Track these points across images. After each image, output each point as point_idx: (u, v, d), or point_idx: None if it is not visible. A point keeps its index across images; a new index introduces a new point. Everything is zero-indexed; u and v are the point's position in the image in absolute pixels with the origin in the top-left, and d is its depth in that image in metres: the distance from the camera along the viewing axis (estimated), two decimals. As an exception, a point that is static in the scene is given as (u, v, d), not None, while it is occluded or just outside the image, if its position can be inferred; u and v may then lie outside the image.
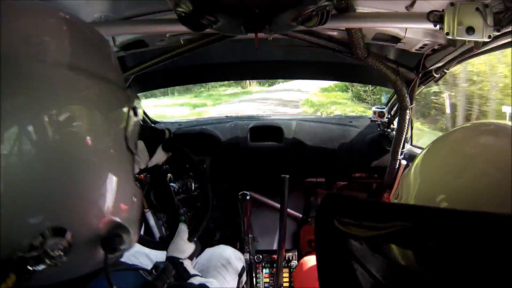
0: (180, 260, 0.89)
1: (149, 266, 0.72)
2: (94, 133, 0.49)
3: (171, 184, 1.10)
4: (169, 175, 1.13)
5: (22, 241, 0.43)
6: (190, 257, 0.94)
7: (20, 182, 0.43)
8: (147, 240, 1.11)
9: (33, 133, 0.43)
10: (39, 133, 0.43)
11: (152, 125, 2.07)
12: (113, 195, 0.52)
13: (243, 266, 1.30)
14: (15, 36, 0.44)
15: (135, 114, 0.58)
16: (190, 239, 0.98)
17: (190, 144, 1.44)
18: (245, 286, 1.29)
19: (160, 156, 1.01)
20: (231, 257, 1.22)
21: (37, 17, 0.49)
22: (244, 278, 1.26)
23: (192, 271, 0.88)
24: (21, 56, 0.44)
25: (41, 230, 0.44)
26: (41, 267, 0.44)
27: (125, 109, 0.56)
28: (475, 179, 0.47)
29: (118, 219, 0.53)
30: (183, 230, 0.96)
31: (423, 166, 0.57)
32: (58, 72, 0.46)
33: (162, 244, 1.15)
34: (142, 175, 1.02)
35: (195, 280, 0.81)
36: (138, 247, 1.20)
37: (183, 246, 0.94)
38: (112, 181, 0.52)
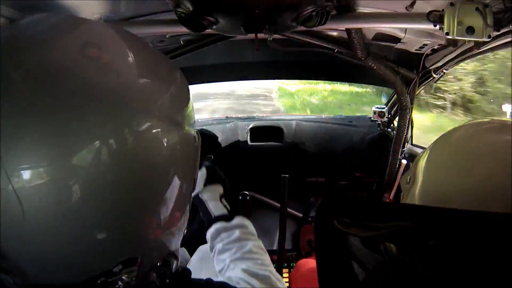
0: (199, 196, 0.84)
1: None
2: (167, 168, 0.48)
3: None
4: None
5: (103, 266, 0.44)
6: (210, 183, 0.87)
7: (107, 200, 0.42)
8: None
9: (115, 150, 0.41)
10: (121, 150, 0.42)
11: None
12: (177, 226, 0.55)
13: None
14: (77, 53, 0.43)
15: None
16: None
17: None
18: None
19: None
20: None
21: (103, 33, 0.48)
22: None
23: (217, 208, 0.82)
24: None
25: (123, 257, 0.45)
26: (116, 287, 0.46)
27: (197, 155, 0.58)
28: (483, 179, 0.47)
29: (173, 249, 0.56)
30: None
31: (428, 167, 0.57)
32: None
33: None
34: None
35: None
36: None
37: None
38: (181, 212, 0.54)
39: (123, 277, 0.45)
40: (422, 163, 0.59)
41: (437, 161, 0.56)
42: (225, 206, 0.80)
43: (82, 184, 0.39)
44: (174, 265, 0.55)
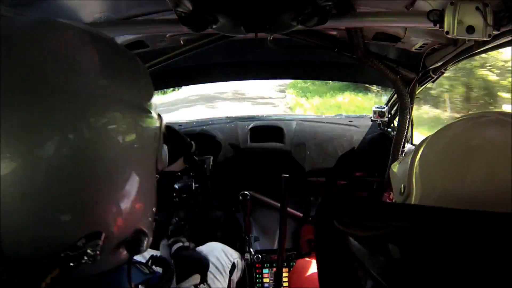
0: None
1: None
2: (127, 150, 0.53)
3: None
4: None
5: (67, 241, 0.48)
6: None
7: (68, 186, 0.47)
8: None
9: (74, 143, 0.46)
10: (79, 143, 0.47)
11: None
12: (141, 205, 0.58)
13: (234, 263, 1.29)
14: (55, 55, 0.48)
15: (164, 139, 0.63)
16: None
17: None
18: (235, 285, 1.28)
19: (178, 165, 1.02)
20: (221, 255, 1.21)
21: (71, 35, 0.52)
22: (235, 276, 1.26)
23: None
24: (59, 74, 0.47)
25: (83, 233, 0.49)
26: (79, 264, 0.49)
27: (158, 137, 0.61)
28: (480, 182, 0.44)
29: (141, 226, 0.59)
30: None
31: (422, 165, 0.53)
32: (95, 90, 0.49)
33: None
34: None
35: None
36: None
37: None
38: (143, 191, 0.57)
39: (88, 251, 0.49)
40: (415, 167, 0.55)
41: (432, 159, 0.53)
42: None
43: (45, 172, 0.45)
44: (144, 242, 0.58)
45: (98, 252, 0.50)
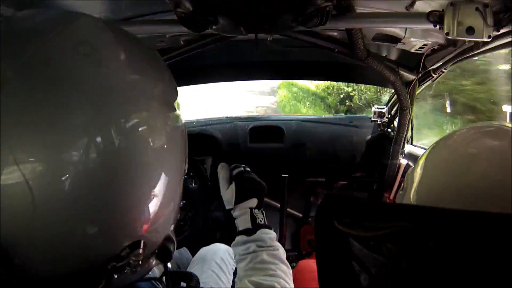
0: (232, 213, 0.87)
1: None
2: (162, 153, 0.51)
3: None
4: None
5: (115, 252, 0.47)
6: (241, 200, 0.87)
7: (99, 193, 0.43)
8: None
9: (104, 146, 0.42)
10: (109, 146, 0.43)
11: None
12: (172, 208, 0.57)
13: None
14: (79, 49, 0.45)
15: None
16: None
17: (190, 144, 1.44)
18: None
19: None
20: (226, 256, 1.22)
21: (96, 29, 0.51)
22: None
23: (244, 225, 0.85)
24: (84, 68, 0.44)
25: (127, 242, 0.48)
26: (121, 274, 0.48)
27: (184, 127, 0.59)
28: (477, 179, 0.47)
29: (169, 233, 0.58)
30: (220, 177, 0.90)
31: (426, 167, 0.57)
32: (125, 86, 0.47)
33: None
34: None
35: None
36: None
37: (224, 196, 0.89)
38: (174, 195, 0.56)
39: (130, 261, 0.47)
40: (418, 168, 0.60)
41: (433, 164, 0.58)
42: (252, 219, 0.81)
43: (72, 178, 0.40)
44: (172, 249, 0.57)
45: (140, 262, 0.48)
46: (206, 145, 1.87)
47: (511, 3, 0.77)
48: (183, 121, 0.59)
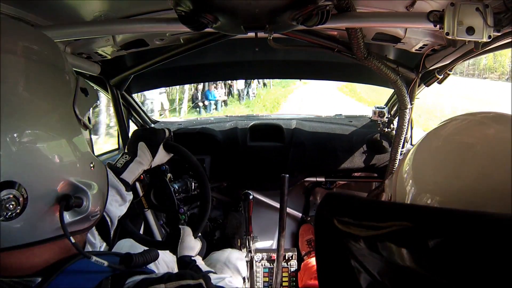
0: (192, 258, 0.92)
1: (151, 266, 0.73)
2: (38, 103, 0.54)
3: (172, 184, 1.10)
4: (169, 175, 1.13)
5: None
6: (200, 254, 0.98)
7: None
8: (146, 240, 1.11)
9: None
10: None
11: (152, 125, 2.07)
12: (68, 157, 0.57)
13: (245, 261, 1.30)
14: None
15: (85, 93, 0.64)
16: (194, 235, 1.00)
17: (190, 143, 1.44)
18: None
19: (162, 156, 1.02)
20: (237, 261, 1.23)
21: None
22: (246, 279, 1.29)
23: (204, 268, 0.91)
24: None
25: None
26: None
27: (72, 88, 0.62)
28: (475, 180, 0.42)
29: (74, 181, 0.57)
30: (187, 229, 0.98)
31: (415, 164, 0.51)
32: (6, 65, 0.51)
33: (162, 243, 1.15)
34: (142, 176, 1.03)
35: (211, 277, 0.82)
36: (129, 244, 1.20)
37: (191, 243, 0.97)
38: (62, 144, 0.57)
39: (5, 204, 0.47)
40: (404, 165, 0.53)
41: (425, 159, 0.51)
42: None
43: None
44: (83, 199, 0.57)
45: (14, 204, 0.48)
46: (206, 144, 1.87)
47: (511, 3, 0.77)
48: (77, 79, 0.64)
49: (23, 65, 0.54)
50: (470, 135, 0.48)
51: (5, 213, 0.48)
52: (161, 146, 1.02)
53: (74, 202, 0.55)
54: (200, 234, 1.03)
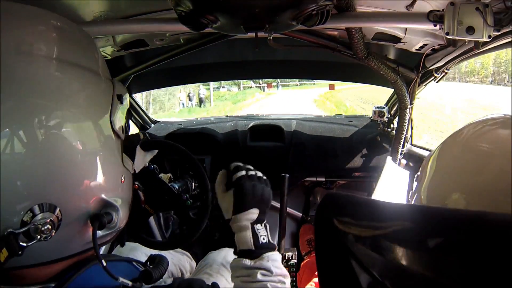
0: (230, 224, 0.78)
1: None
2: (77, 122, 0.53)
3: (172, 184, 1.10)
4: (169, 174, 1.13)
5: (13, 219, 0.46)
6: (240, 210, 0.76)
7: (9, 163, 0.46)
8: (150, 241, 1.11)
9: (23, 132, 0.46)
10: (28, 131, 0.47)
11: (152, 125, 2.07)
12: (101, 175, 0.56)
13: None
14: (4, 41, 0.47)
15: (120, 101, 0.62)
16: (195, 235, 0.96)
17: (190, 143, 1.44)
18: None
19: (141, 158, 1.01)
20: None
21: (27, 21, 0.52)
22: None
23: (243, 241, 0.74)
24: (8, 59, 0.47)
25: (30, 206, 0.47)
26: (32, 242, 0.47)
27: (109, 97, 0.60)
28: (494, 177, 0.45)
29: (106, 197, 0.57)
30: (217, 181, 0.83)
31: (437, 169, 0.55)
32: (45, 72, 0.50)
33: (166, 244, 1.15)
34: (136, 185, 1.03)
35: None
36: (134, 245, 1.20)
37: (221, 204, 0.80)
38: (99, 163, 0.56)
39: (39, 227, 0.46)
40: (429, 165, 0.57)
41: (446, 163, 0.55)
42: (254, 237, 0.71)
43: None
44: (113, 215, 0.56)
45: (50, 227, 0.47)
46: (206, 144, 1.87)
47: (511, 3, 0.77)
48: (114, 85, 0.62)
49: (57, 76, 0.51)
50: (485, 141, 0.51)
51: (39, 236, 0.47)
52: (138, 149, 1.01)
53: (105, 219, 0.55)
54: (239, 174, 0.78)
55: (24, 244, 0.46)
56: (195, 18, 0.83)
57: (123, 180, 0.62)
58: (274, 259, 0.70)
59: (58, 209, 0.49)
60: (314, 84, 24.06)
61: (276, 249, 0.73)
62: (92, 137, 0.55)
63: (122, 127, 0.63)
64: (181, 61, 1.46)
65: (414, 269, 0.31)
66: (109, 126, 0.59)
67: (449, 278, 0.28)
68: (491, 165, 0.46)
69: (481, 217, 0.28)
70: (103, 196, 0.56)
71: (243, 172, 0.76)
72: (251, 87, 22.02)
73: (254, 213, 0.73)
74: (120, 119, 0.62)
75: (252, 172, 0.77)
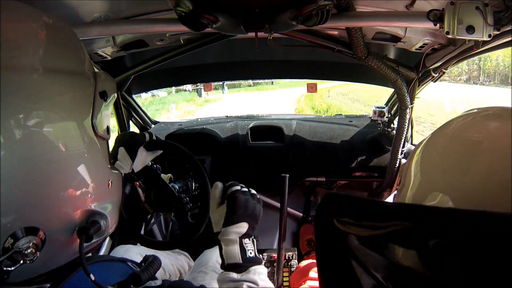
0: (218, 238, 0.77)
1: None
2: (58, 128, 0.49)
3: (172, 184, 1.10)
4: (169, 175, 1.13)
5: None
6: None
7: None
8: (150, 241, 1.11)
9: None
10: (5, 134, 0.43)
11: (153, 126, 2.07)
12: (86, 185, 0.52)
13: None
14: None
15: (104, 98, 0.57)
16: (195, 235, 0.97)
17: (191, 144, 1.44)
18: None
19: (143, 158, 1.01)
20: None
21: (15, 20, 0.48)
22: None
23: (230, 255, 0.74)
24: None
25: (12, 231, 0.44)
26: (16, 265, 0.45)
27: (91, 97, 0.55)
28: (483, 178, 0.42)
29: (93, 207, 0.54)
30: (212, 195, 0.82)
31: (423, 162, 0.52)
32: (25, 76, 0.46)
33: (165, 244, 1.15)
34: (137, 183, 1.03)
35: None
36: (129, 247, 1.20)
37: (212, 217, 0.80)
38: (82, 172, 0.52)
39: (23, 251, 0.44)
40: (414, 161, 0.54)
41: (432, 158, 0.51)
42: (241, 250, 0.72)
43: None
44: (101, 223, 0.54)
45: (34, 250, 0.45)
46: (206, 144, 1.87)
47: (511, 2, 0.77)
48: (96, 80, 0.56)
49: (34, 81, 0.46)
50: (476, 131, 0.47)
51: (22, 261, 0.45)
52: (141, 149, 0.99)
53: (92, 230, 0.53)
54: (234, 188, 0.80)
55: (9, 269, 0.44)
56: (195, 19, 0.83)
57: (110, 184, 0.59)
58: (260, 272, 0.72)
59: (40, 230, 0.46)
60: (272, 84, 21.20)
61: (263, 263, 0.75)
62: (73, 145, 0.51)
63: (108, 127, 0.59)
64: (181, 61, 1.47)
65: (415, 269, 0.31)
66: (91, 130, 0.55)
67: (449, 278, 0.28)
68: (479, 163, 0.43)
69: (481, 217, 0.28)
70: (89, 207, 0.53)
71: (238, 187, 0.78)
72: (185, 91, 18.50)
73: (243, 227, 0.74)
74: (104, 119, 0.58)
75: (245, 188, 0.80)
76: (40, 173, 0.46)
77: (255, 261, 0.73)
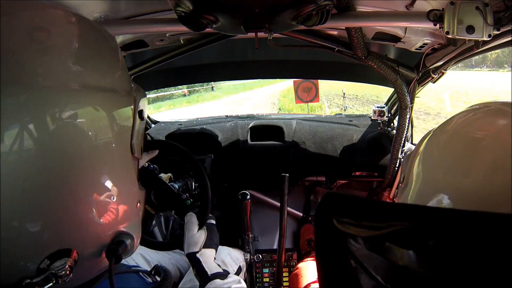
0: (197, 256, 0.90)
1: (145, 266, 0.73)
2: (98, 145, 0.48)
3: (172, 184, 1.10)
4: (169, 174, 1.14)
5: (29, 265, 0.43)
6: (211, 243, 0.97)
7: (23, 206, 0.41)
8: (150, 241, 1.11)
9: (36, 136, 0.41)
10: (42, 136, 0.41)
11: (153, 125, 2.07)
12: (120, 206, 0.53)
13: (240, 266, 1.29)
14: (21, 33, 0.42)
15: (141, 117, 0.57)
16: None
17: (191, 144, 1.44)
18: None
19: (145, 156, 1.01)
20: (226, 258, 1.22)
21: (47, 14, 0.47)
22: (241, 278, 1.27)
23: (211, 266, 0.88)
24: (27, 54, 0.42)
25: (49, 252, 0.44)
26: (48, 285, 0.44)
27: (130, 117, 0.55)
28: (484, 178, 0.41)
29: (121, 228, 0.54)
30: (189, 221, 0.97)
31: (425, 161, 0.51)
32: (65, 80, 0.45)
33: (166, 244, 1.15)
34: None
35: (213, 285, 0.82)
36: None
37: (194, 238, 0.95)
38: (118, 195, 0.52)
39: (57, 272, 0.44)
40: (416, 160, 0.53)
41: (433, 157, 0.50)
42: (219, 265, 0.88)
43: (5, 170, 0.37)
44: (127, 243, 0.54)
45: (68, 272, 0.45)
46: (206, 144, 1.87)
47: (511, 2, 0.77)
48: (135, 100, 0.55)
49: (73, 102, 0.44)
50: (475, 129, 0.46)
51: (55, 281, 0.45)
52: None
53: (121, 251, 0.53)
54: (210, 221, 1.04)
55: None
56: (195, 19, 0.83)
57: (138, 205, 0.59)
58: (234, 280, 0.88)
59: (74, 251, 0.47)
60: (213, 90, 18.48)
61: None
62: (113, 169, 0.50)
63: (142, 147, 0.59)
64: (181, 61, 1.46)
65: (414, 269, 0.31)
66: (129, 151, 0.54)
67: (449, 278, 0.28)
68: (480, 162, 0.42)
69: (480, 217, 0.28)
70: (119, 228, 0.54)
71: (213, 221, 1.02)
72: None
73: (214, 252, 0.95)
74: (140, 138, 0.57)
75: (213, 221, 1.03)
76: (80, 196, 0.46)
77: (227, 273, 0.89)
